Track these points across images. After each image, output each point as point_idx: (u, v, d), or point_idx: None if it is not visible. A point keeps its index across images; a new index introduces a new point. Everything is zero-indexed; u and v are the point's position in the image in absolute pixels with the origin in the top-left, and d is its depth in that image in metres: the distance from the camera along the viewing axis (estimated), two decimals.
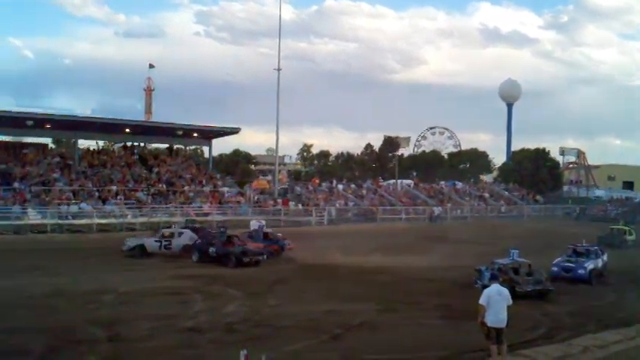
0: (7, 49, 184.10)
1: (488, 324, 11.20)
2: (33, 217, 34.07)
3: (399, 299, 18.77)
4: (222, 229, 28.74)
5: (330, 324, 15.26)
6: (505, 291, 11.64)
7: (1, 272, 22.12)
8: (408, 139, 72.52)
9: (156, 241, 27.15)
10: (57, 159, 43.69)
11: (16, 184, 37.81)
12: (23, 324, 14.58)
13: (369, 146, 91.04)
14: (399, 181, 61.93)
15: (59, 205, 36.05)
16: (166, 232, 28.05)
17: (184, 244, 26.83)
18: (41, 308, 16.45)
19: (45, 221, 33.86)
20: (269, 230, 30.21)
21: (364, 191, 54.35)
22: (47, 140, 49.43)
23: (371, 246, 31.84)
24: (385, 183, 62.30)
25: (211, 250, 25.02)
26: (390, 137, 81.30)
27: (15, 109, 53.55)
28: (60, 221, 34.30)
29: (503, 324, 11.25)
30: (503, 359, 11.49)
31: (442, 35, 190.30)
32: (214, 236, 26.84)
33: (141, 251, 26.51)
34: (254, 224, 30.87)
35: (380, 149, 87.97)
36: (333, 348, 13.32)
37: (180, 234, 27.54)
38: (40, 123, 42.18)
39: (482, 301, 11.32)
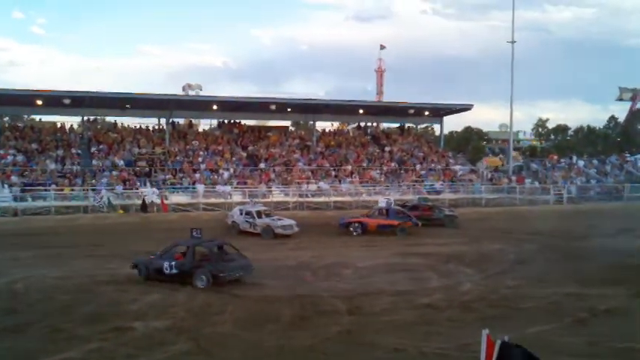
0: (249, 41, 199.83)
1: None
2: (276, 195, 36.57)
3: None
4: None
5: (573, 308, 14.48)
6: None
7: (255, 246, 24.06)
8: None
9: None
10: (297, 140, 46.16)
11: (261, 165, 40.63)
12: (275, 292, 15.80)
13: (612, 119, 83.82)
14: None
15: (299, 184, 38.15)
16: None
17: None
18: (290, 279, 17.67)
19: (287, 199, 36.08)
20: (397, 207, 30.13)
21: (608, 167, 50.22)
22: (287, 123, 52.26)
23: (618, 226, 29.34)
24: (633, 158, 56.92)
25: None
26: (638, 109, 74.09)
27: (259, 95, 57.46)
28: (300, 199, 36.31)
29: None
30: None
31: None
32: None
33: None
34: (382, 202, 30.77)
35: (626, 121, 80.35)
36: (578, 333, 12.61)
37: None
38: (281, 107, 44.69)
39: None
